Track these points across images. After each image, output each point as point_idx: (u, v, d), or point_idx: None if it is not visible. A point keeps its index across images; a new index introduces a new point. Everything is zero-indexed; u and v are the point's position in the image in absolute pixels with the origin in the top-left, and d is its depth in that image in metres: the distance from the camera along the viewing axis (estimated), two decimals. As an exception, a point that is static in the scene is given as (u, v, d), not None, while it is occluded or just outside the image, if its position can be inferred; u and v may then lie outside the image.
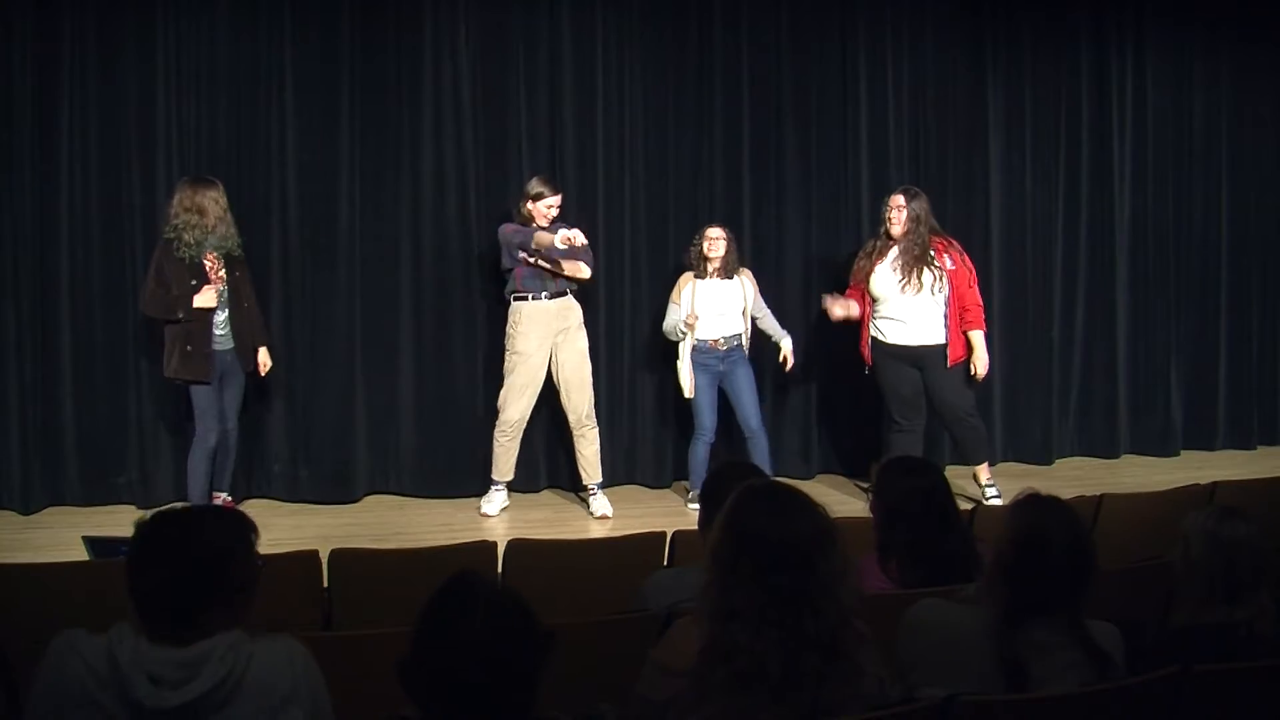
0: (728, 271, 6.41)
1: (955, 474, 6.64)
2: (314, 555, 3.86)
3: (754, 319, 6.52)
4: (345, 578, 3.83)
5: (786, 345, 6.51)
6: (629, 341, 6.98)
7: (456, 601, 2.03)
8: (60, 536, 5.67)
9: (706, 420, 6.44)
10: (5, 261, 6.15)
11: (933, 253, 6.33)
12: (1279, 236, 8.32)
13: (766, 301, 6.60)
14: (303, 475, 6.54)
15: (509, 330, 6.27)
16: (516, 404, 6.25)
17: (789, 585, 2.20)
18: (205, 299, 5.67)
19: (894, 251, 6.36)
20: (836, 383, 7.30)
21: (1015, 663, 2.49)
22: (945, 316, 6.34)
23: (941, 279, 6.31)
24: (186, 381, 5.78)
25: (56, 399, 6.25)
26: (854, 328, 6.59)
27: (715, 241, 6.37)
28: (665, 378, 7.00)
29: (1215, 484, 5.00)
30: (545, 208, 6.20)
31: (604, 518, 6.32)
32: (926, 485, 3.41)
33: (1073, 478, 6.94)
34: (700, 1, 7.05)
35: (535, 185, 6.25)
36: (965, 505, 5.76)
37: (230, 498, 6.09)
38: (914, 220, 6.31)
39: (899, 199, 6.39)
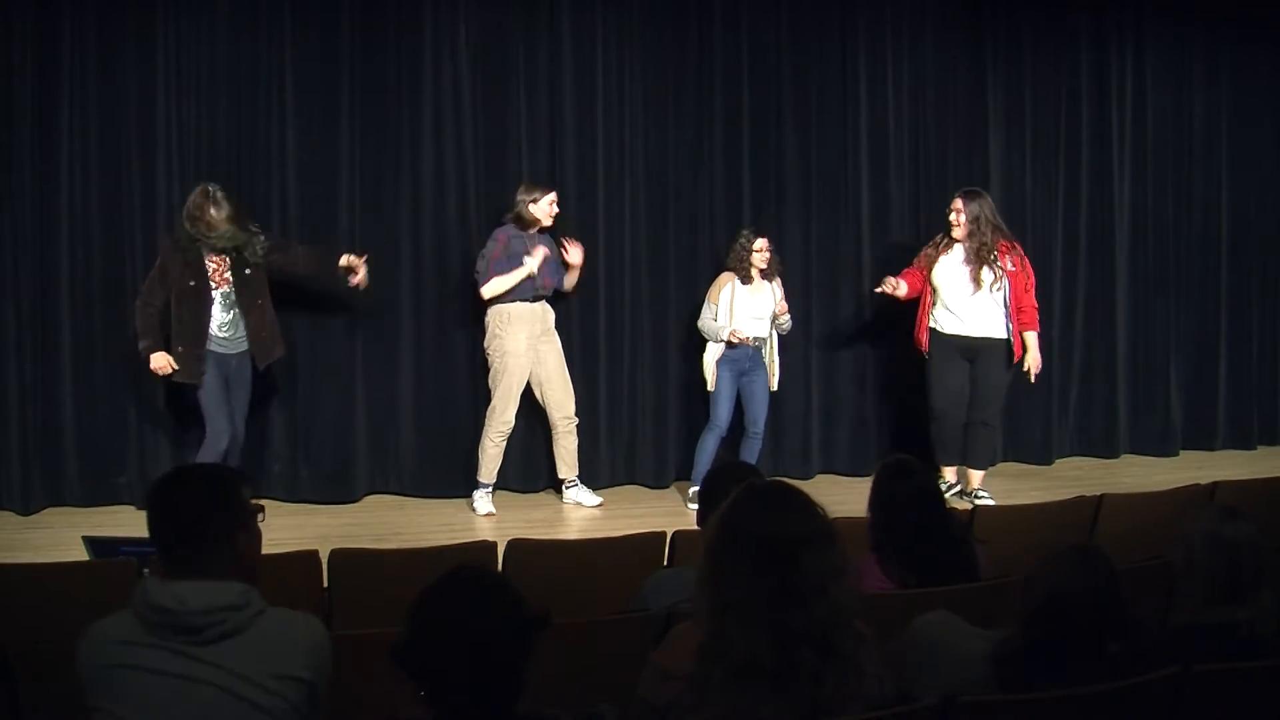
0: (769, 276, 6.56)
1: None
2: (314, 555, 3.87)
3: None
4: (345, 578, 3.83)
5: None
6: (629, 341, 6.97)
7: (447, 586, 2.13)
8: (60, 536, 5.67)
9: (724, 414, 6.52)
10: (5, 261, 6.14)
11: (995, 254, 6.43)
12: (1278, 236, 8.32)
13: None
14: (303, 475, 6.54)
15: (495, 332, 6.29)
16: (513, 406, 6.32)
17: (776, 581, 2.22)
18: (155, 363, 5.72)
19: (958, 249, 6.50)
20: (838, 382, 7.32)
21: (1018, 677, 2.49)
22: (1006, 315, 6.46)
23: (1001, 279, 6.42)
24: (180, 383, 5.80)
25: (56, 399, 6.24)
26: (907, 320, 6.76)
27: (762, 254, 6.49)
28: (666, 377, 7.01)
29: (1215, 484, 5.00)
30: (548, 204, 6.27)
31: (596, 506, 6.49)
32: (922, 486, 3.41)
33: (1072, 478, 6.94)
34: (700, 1, 7.05)
35: (531, 189, 6.31)
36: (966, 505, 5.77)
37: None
38: (974, 221, 6.43)
39: (958, 202, 6.52)
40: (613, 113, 6.91)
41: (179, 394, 6.05)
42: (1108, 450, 7.84)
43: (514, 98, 6.75)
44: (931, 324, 6.62)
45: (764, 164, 7.16)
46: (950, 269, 6.51)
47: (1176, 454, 7.95)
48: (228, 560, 2.31)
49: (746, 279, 6.50)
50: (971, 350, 6.55)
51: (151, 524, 2.39)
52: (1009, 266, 6.46)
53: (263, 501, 6.64)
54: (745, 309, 6.49)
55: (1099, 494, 4.79)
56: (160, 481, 2.46)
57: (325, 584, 3.82)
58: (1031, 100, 7.69)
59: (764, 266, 6.51)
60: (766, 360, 6.57)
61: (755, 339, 6.50)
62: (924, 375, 6.71)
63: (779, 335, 6.64)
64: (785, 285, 6.70)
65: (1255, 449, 8.14)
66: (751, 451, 6.57)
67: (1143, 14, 7.88)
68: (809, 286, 7.21)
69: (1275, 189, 8.28)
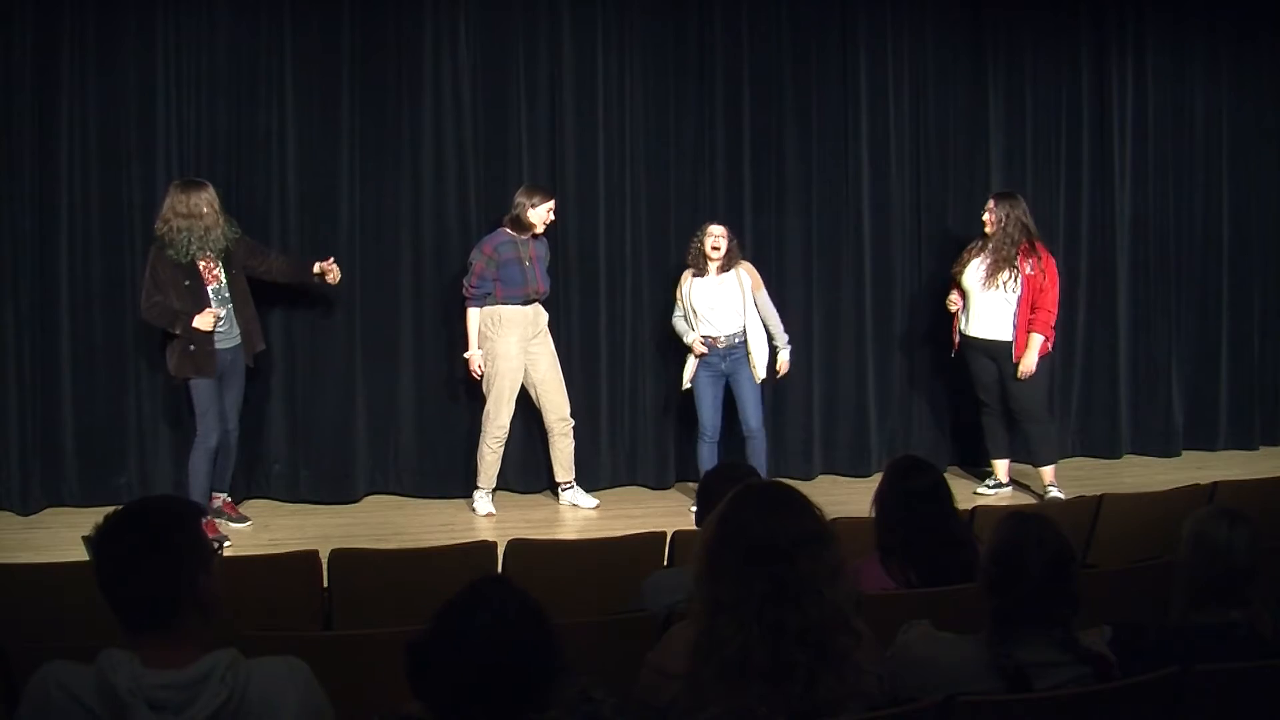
0: (727, 267, 6.40)
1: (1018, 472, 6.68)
2: (314, 555, 3.87)
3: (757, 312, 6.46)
4: (345, 578, 3.83)
5: (784, 356, 6.50)
6: (630, 341, 6.97)
7: (468, 601, 2.07)
8: (60, 537, 5.68)
9: (707, 419, 6.46)
10: (5, 261, 6.14)
11: (1016, 255, 6.45)
12: (1279, 236, 8.32)
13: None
14: (303, 475, 6.54)
15: (487, 334, 6.26)
16: (506, 409, 6.30)
17: (769, 582, 2.22)
18: (204, 321, 5.64)
19: (988, 249, 6.55)
20: (839, 382, 7.31)
21: (1018, 673, 2.49)
22: (1015, 316, 6.47)
23: (1016, 280, 6.43)
24: (189, 378, 5.75)
25: (56, 399, 6.24)
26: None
27: (717, 239, 6.37)
28: (667, 377, 7.00)
29: (1216, 484, 5.00)
30: (544, 211, 6.24)
31: (594, 508, 6.49)
32: (926, 486, 3.41)
33: (1073, 478, 6.93)
34: (701, 1, 7.05)
35: (532, 193, 6.26)
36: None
37: (229, 498, 6.09)
38: (1000, 222, 6.45)
39: (990, 202, 6.59)
40: (613, 113, 6.90)
41: (179, 394, 6.04)
42: (1109, 450, 7.83)
43: (514, 98, 6.75)
44: (960, 325, 6.69)
45: (764, 164, 7.16)
46: (975, 271, 6.55)
47: (1178, 454, 7.92)
48: (193, 610, 2.09)
49: (700, 271, 6.42)
50: (992, 352, 6.59)
51: (105, 582, 2.08)
52: (1027, 270, 6.43)
53: (262, 501, 6.61)
54: (703, 302, 6.38)
55: (1099, 494, 4.80)
56: (107, 530, 2.10)
57: (325, 584, 3.82)
58: (1032, 100, 7.68)
59: (715, 256, 6.35)
60: (749, 353, 6.39)
61: (725, 337, 6.39)
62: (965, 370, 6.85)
63: (765, 325, 6.45)
64: (781, 281, 6.67)
65: (1257, 449, 8.11)
66: (757, 453, 6.39)
67: (1143, 14, 7.87)
68: (809, 286, 7.20)
69: (1275, 189, 8.27)
